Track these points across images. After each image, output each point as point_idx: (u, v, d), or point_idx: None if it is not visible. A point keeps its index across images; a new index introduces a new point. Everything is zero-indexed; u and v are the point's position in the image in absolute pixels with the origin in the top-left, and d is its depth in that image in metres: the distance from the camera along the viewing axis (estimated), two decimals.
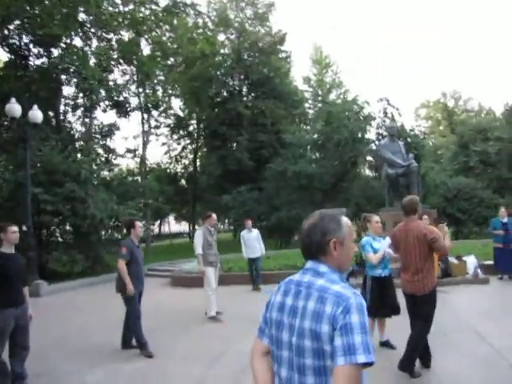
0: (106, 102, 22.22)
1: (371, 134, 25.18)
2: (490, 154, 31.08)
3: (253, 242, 11.37)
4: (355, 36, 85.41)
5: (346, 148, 24.80)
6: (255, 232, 11.61)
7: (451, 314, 7.55)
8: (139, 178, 26.37)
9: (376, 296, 5.83)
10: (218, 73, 31.58)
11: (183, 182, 37.78)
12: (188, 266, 13.99)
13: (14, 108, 13.13)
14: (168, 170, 36.56)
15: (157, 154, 42.33)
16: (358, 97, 25.15)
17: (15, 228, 5.09)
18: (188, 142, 36.78)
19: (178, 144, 36.62)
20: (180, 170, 37.73)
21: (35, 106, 14.05)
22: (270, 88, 31.98)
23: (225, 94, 32.71)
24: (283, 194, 25.80)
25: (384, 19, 77.98)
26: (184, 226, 68.02)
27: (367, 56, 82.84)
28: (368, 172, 31.00)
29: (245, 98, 33.12)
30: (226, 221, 40.58)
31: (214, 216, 8.90)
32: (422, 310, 4.85)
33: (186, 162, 37.85)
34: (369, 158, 26.65)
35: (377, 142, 24.73)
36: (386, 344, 5.98)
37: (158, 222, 49.48)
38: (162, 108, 28.66)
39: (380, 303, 5.81)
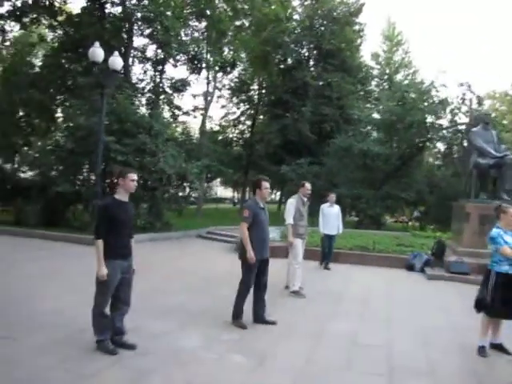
0: (178, 57, 21.71)
1: (444, 120, 23.78)
2: None
3: (333, 217, 10.76)
4: (430, 16, 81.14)
5: (416, 131, 23.66)
6: (336, 208, 10.98)
7: None
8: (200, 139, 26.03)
9: (499, 294, 5.27)
10: (289, 39, 30.43)
11: (237, 147, 37.18)
12: None
13: (97, 52, 12.84)
14: (225, 134, 36.05)
15: (217, 115, 41.58)
16: (434, 82, 23.65)
17: (135, 176, 4.68)
18: (247, 107, 36.05)
19: (238, 108, 35.96)
20: (236, 135, 37.14)
21: (116, 52, 13.72)
22: (339, 60, 30.75)
23: (293, 61, 31.64)
24: (345, 172, 24.96)
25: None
26: (228, 192, 68.16)
27: (439, 38, 78.81)
28: (431, 160, 29.66)
29: (312, 68, 31.97)
30: (278, 193, 40.11)
31: (308, 185, 8.35)
32: None
33: (243, 127, 37.23)
34: (439, 144, 25.30)
35: (451, 130, 23.54)
36: (498, 347, 5.48)
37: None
38: (228, 69, 27.85)
39: (502, 302, 5.25)
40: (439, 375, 4.65)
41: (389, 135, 24.67)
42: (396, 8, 78.22)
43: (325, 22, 30.62)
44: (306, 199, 8.32)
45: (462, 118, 22.92)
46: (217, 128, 35.43)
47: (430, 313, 7.22)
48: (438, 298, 8.44)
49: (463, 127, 22.71)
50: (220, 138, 34.88)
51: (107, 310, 4.59)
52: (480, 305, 5.52)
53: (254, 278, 5.83)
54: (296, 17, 31.64)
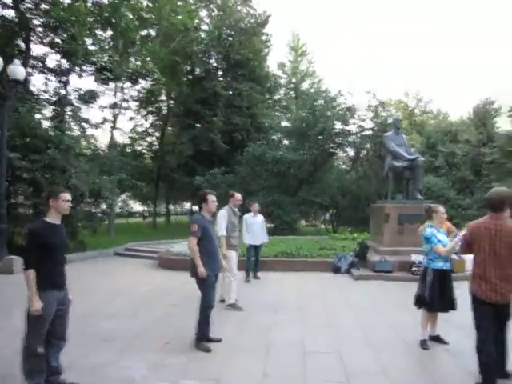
0: (84, 67, 20.60)
1: (353, 126, 24.88)
2: (457, 155, 31.89)
3: (257, 227, 10.42)
4: (331, 26, 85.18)
5: (327, 138, 24.52)
6: (260, 217, 10.71)
7: None
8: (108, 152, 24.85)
9: (436, 289, 5.57)
10: (197, 49, 30.23)
11: (147, 160, 36.09)
12: (177, 248, 13.15)
13: None
14: (134, 147, 34.83)
15: (126, 128, 39.86)
16: (341, 90, 24.73)
17: (68, 195, 4.24)
18: (156, 118, 35.21)
19: (146, 120, 34.99)
20: (145, 148, 36.06)
21: (16, 61, 12.68)
22: (248, 70, 31.08)
23: (202, 72, 31.48)
24: (259, 180, 25.18)
25: (363, 13, 78.16)
26: (137, 206, 65.86)
27: (340, 47, 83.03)
28: (342, 164, 30.95)
29: (221, 78, 32.03)
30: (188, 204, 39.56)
31: (238, 195, 8.21)
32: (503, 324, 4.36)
33: (151, 139, 36.26)
34: (348, 149, 26.44)
35: (358, 135, 24.67)
36: (436, 339, 5.80)
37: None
38: (137, 80, 26.95)
39: (439, 297, 5.57)
40: (393, 373, 4.73)
41: (301, 142, 25.29)
42: (301, 20, 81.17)
43: (233, 33, 30.80)
44: (236, 209, 8.18)
45: (370, 124, 24.08)
46: (126, 141, 34.19)
47: (365, 313, 7.40)
48: (370, 298, 8.69)
49: (370, 132, 23.92)
50: (129, 150, 33.62)
51: (41, 349, 4.06)
52: (420, 301, 5.77)
53: (214, 293, 5.59)
54: (204, 27, 31.53)
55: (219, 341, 5.63)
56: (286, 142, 28.42)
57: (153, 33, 27.08)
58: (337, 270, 11.56)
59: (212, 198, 5.74)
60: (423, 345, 5.63)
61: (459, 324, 6.07)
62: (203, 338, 5.47)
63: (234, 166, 26.15)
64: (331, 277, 11.13)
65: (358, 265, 11.54)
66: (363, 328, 6.45)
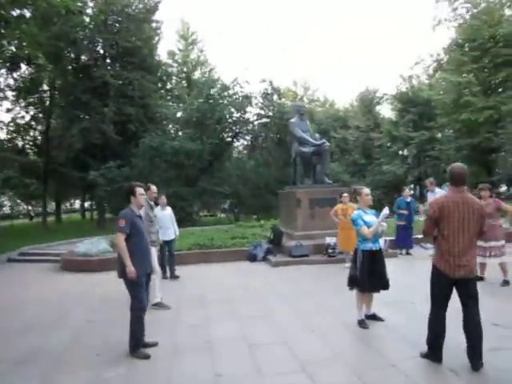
0: None
1: (250, 115, 24.99)
2: (348, 141, 33.64)
3: (167, 221, 9.47)
4: (224, 15, 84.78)
5: (225, 126, 24.35)
6: (169, 210, 9.74)
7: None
8: None
9: (367, 270, 5.58)
10: (82, 35, 28.13)
11: (32, 155, 33.03)
12: (82, 248, 12.04)
13: None
14: (15, 141, 31.66)
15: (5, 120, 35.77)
16: (237, 79, 24.64)
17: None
18: (38, 110, 32.29)
19: (27, 112, 31.94)
20: (28, 142, 32.98)
21: None
22: (138, 58, 29.63)
23: (89, 59, 29.39)
24: (158, 171, 24.27)
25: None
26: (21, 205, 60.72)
27: (233, 36, 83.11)
28: (241, 153, 31.03)
29: (110, 67, 30.21)
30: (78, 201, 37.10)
31: (154, 187, 7.64)
32: (472, 296, 4.35)
33: (35, 133, 33.28)
34: (246, 137, 26.52)
35: (256, 122, 24.85)
36: (373, 317, 5.86)
37: None
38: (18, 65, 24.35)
39: (371, 277, 5.58)
40: (346, 356, 4.68)
41: (199, 132, 24.80)
42: (192, 8, 79.83)
43: (120, 19, 29.14)
44: (152, 203, 7.59)
45: (267, 112, 24.35)
46: (4, 136, 30.94)
47: (295, 299, 7.33)
48: (294, 283, 8.67)
49: (267, 120, 24.14)
50: (10, 145, 30.49)
51: None
52: (352, 282, 5.73)
53: (145, 294, 5.02)
54: (89, 11, 29.37)
55: (156, 344, 5.13)
56: (182, 132, 27.73)
57: (27, 13, 24.55)
58: (253, 258, 11.40)
59: (140, 190, 5.22)
60: (362, 324, 5.66)
61: (387, 301, 6.16)
62: (139, 344, 4.93)
63: (129, 159, 24.93)
64: (249, 265, 10.96)
65: (274, 251, 11.48)
66: (299, 314, 6.34)
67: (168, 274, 9.85)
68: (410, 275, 8.72)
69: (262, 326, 5.84)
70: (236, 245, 12.27)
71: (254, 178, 25.80)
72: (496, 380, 3.96)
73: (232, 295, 7.74)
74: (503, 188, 29.61)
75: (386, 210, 5.65)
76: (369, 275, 5.56)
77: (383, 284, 5.69)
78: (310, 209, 12.05)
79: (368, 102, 35.43)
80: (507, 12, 25.05)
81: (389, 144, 29.82)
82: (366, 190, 5.95)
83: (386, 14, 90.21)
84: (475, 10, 29.83)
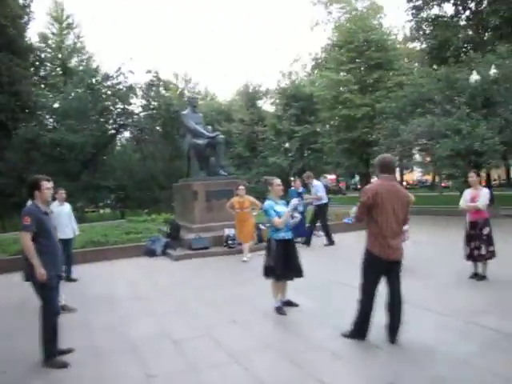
0: None
1: (135, 106, 24.15)
2: (233, 134, 34.10)
3: (65, 218, 8.61)
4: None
5: (109, 118, 23.26)
6: (67, 206, 8.93)
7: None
8: None
9: (281, 259, 5.73)
10: None
11: None
12: None
13: None
14: None
15: None
16: (120, 68, 23.60)
17: None
18: None
19: None
20: None
21: None
22: (5, 40, 26.90)
23: None
24: (35, 166, 22.37)
25: None
26: None
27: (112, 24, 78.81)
28: (126, 146, 29.87)
29: None
30: None
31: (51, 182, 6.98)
32: (397, 276, 4.71)
33: None
34: (133, 129, 25.59)
35: (141, 114, 24.06)
36: (288, 303, 6.01)
37: None
38: None
39: (285, 266, 5.75)
40: (272, 342, 4.77)
41: (81, 123, 23.36)
42: None
43: None
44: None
45: (153, 104, 23.68)
46: None
47: (206, 291, 7.25)
48: (200, 275, 8.63)
49: (154, 112, 23.55)
50: None
51: None
52: (267, 271, 5.86)
53: (56, 297, 4.61)
54: None
55: (72, 350, 4.74)
56: (62, 123, 25.90)
57: None
58: (152, 253, 11.10)
59: (47, 184, 4.72)
60: (280, 311, 5.79)
61: (294, 287, 6.23)
62: (54, 352, 4.52)
63: (2, 152, 22.70)
64: (149, 261, 10.65)
65: (173, 245, 11.30)
66: (215, 306, 6.31)
67: (64, 277, 9.14)
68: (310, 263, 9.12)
69: (180, 321, 5.70)
70: (132, 240, 11.84)
71: (140, 171, 24.99)
72: (410, 349, 4.38)
73: (140, 292, 7.45)
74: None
75: (294, 201, 5.87)
76: (283, 264, 5.71)
77: (297, 272, 5.87)
78: (206, 201, 12.01)
79: (251, 96, 36.23)
80: (375, 21, 27.31)
81: (273, 137, 30.83)
82: (277, 181, 6.08)
83: (267, 13, 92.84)
84: (348, 16, 32.08)
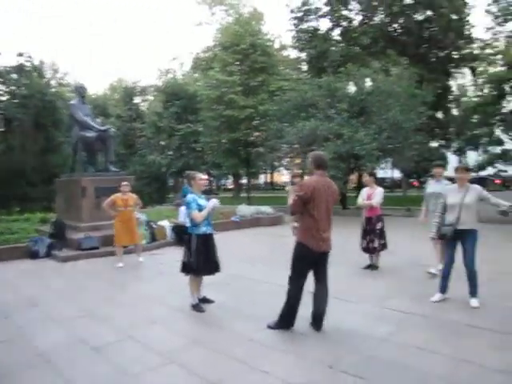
0: None
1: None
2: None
3: None
4: None
5: None
6: None
7: None
8: None
9: (202, 254, 5.68)
10: None
11: None
12: None
13: None
14: None
15: None
16: None
17: None
18: None
19: None
20: None
21: None
22: None
23: None
24: None
25: None
26: None
27: None
28: None
29: None
30: None
31: None
32: (325, 267, 4.92)
33: None
34: None
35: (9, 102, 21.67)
36: (204, 300, 5.96)
37: None
38: None
39: (206, 261, 5.72)
40: (199, 339, 4.68)
41: None
42: None
43: None
44: None
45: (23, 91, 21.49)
46: None
47: (111, 293, 6.84)
48: (97, 277, 8.05)
49: (25, 100, 21.46)
50: None
51: None
52: (187, 268, 5.73)
53: None
54: None
55: None
56: None
57: None
58: (35, 254, 10.03)
59: None
60: (197, 308, 5.70)
61: (206, 283, 6.14)
62: None
63: None
64: (33, 263, 9.56)
65: (58, 246, 10.36)
66: (125, 308, 5.96)
67: None
68: None
69: (94, 325, 5.24)
70: (8, 241, 10.57)
71: (6, 165, 22.42)
72: (336, 335, 4.64)
73: (35, 298, 6.60)
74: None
75: (214, 201, 5.85)
76: (204, 259, 5.65)
77: (216, 266, 5.84)
78: (96, 198, 11.24)
79: (129, 92, 34.84)
80: (257, 27, 28.02)
81: (152, 135, 29.97)
82: (200, 175, 6.00)
83: (142, 10, 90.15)
84: (231, 18, 32.57)
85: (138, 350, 4.45)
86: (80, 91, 12.77)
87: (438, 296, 5.77)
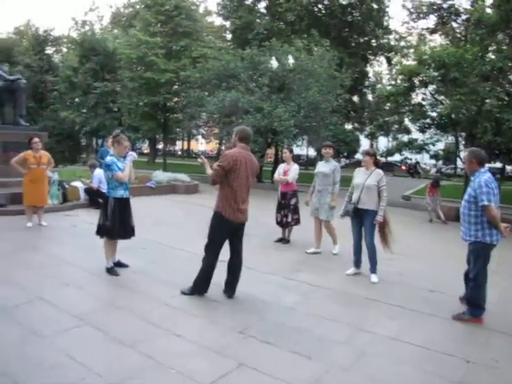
0: None
1: None
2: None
3: None
4: None
5: None
6: None
7: None
8: None
9: (118, 218, 5.71)
10: None
11: None
12: None
13: None
14: None
15: None
16: None
17: None
18: None
19: None
20: None
21: None
22: None
23: None
24: None
25: None
26: None
27: None
28: None
29: None
30: None
31: None
32: (241, 237, 5.16)
33: None
34: None
35: None
36: (118, 264, 5.98)
37: None
38: None
39: (122, 225, 5.76)
40: (115, 303, 4.73)
41: None
42: None
43: None
44: None
45: None
46: None
47: (21, 254, 6.54)
48: (2, 238, 7.63)
49: None
50: None
51: None
52: (102, 230, 5.75)
53: None
54: None
55: None
56: None
57: None
58: None
59: None
60: (112, 271, 5.74)
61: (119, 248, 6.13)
62: None
63: None
64: None
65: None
66: (37, 269, 5.79)
67: None
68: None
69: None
70: None
71: None
72: (246, 302, 4.99)
73: None
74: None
75: (133, 154, 5.90)
76: (120, 222, 5.69)
77: (131, 230, 5.90)
78: (3, 153, 10.64)
79: (40, 41, 32.36)
80: None
81: (66, 90, 28.24)
82: (127, 143, 5.88)
83: None
84: None
85: (50, 311, 4.44)
86: None
87: (351, 270, 6.35)
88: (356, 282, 6.05)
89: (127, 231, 5.85)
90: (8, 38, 36.83)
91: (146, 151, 48.57)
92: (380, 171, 6.25)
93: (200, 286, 5.01)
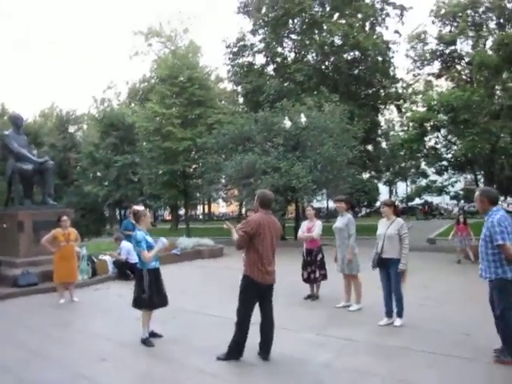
0: None
1: None
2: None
3: None
4: None
5: None
6: None
7: None
8: None
9: (154, 288, 5.85)
10: None
11: None
12: None
13: None
14: None
15: None
16: None
17: None
18: None
19: None
20: None
21: None
22: None
23: None
24: None
25: None
26: None
27: None
28: None
29: None
30: None
31: None
32: (270, 299, 5.25)
33: None
34: None
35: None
36: (153, 335, 6.01)
37: None
38: None
39: (157, 294, 5.88)
40: (152, 375, 4.78)
41: None
42: None
43: None
44: None
45: None
46: None
47: (58, 332, 6.70)
48: (41, 315, 7.80)
49: None
50: None
51: None
52: (139, 303, 5.87)
53: None
54: None
55: None
56: None
57: None
58: None
59: None
60: (147, 342, 5.79)
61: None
62: None
63: None
64: None
65: None
66: (73, 345, 5.92)
67: None
68: None
69: (39, 364, 5.20)
70: None
71: None
72: (281, 363, 4.97)
73: None
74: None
75: (164, 241, 6.07)
76: (157, 292, 5.83)
77: (166, 298, 6.01)
78: (34, 232, 11.00)
79: (64, 120, 34.07)
80: (194, 60, 28.67)
81: (88, 165, 29.39)
82: (147, 212, 6.19)
83: (81, 37, 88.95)
84: (167, 50, 33.04)
85: None
86: (17, 122, 12.40)
87: (384, 320, 6.34)
88: (388, 332, 6.00)
89: (164, 300, 5.98)
90: (35, 122, 38.83)
91: (167, 218, 49.20)
92: (400, 220, 6.36)
93: (235, 351, 5.05)
